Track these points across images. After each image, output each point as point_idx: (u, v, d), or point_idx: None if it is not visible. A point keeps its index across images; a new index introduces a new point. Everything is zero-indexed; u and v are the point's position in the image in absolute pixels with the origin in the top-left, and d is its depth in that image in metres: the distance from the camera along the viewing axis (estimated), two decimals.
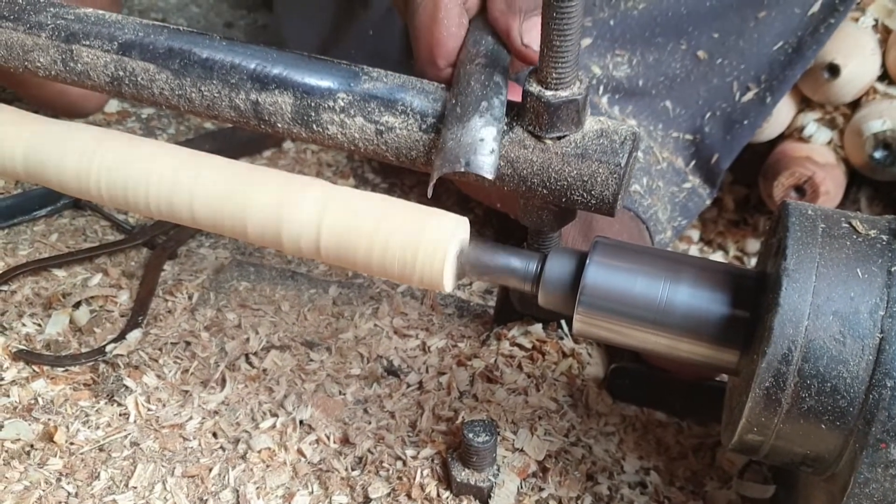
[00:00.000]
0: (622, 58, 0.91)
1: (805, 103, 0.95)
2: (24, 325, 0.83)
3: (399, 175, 1.12)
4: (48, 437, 0.72)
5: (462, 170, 0.57)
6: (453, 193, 1.09)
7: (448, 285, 0.60)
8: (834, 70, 0.88)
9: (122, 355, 0.80)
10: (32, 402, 0.76)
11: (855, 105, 0.93)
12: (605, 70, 0.90)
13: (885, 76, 0.91)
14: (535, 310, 0.77)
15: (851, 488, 0.49)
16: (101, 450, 0.72)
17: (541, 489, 0.69)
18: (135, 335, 0.82)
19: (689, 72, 0.90)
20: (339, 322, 0.84)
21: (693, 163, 0.93)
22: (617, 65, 0.91)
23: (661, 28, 0.90)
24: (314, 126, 0.64)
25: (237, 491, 0.69)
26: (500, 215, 1.02)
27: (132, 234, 0.96)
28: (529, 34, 0.64)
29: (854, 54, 0.88)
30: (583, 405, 0.76)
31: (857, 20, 0.91)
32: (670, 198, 0.92)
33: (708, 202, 0.95)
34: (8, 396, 0.76)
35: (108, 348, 0.80)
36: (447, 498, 0.68)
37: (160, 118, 1.19)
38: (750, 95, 0.89)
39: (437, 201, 1.08)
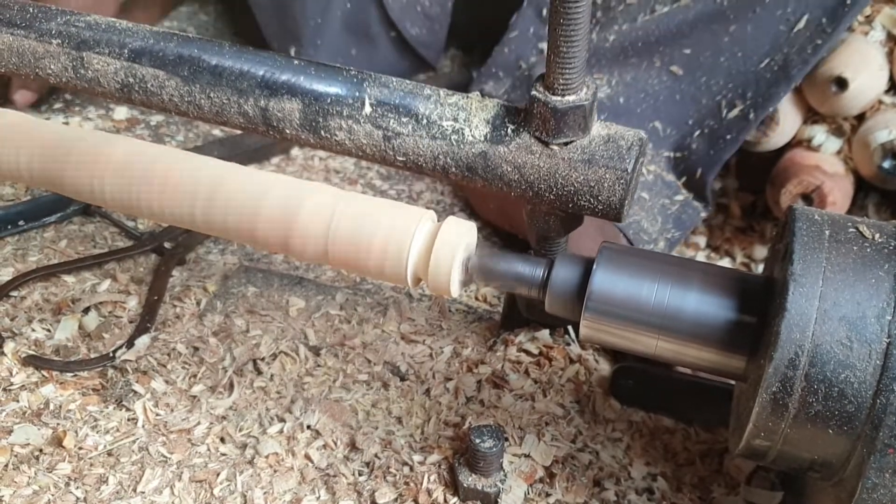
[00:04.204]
0: (601, 80, 0.94)
1: (811, 114, 0.95)
2: (33, 330, 0.84)
3: (407, 181, 1.13)
4: (57, 441, 0.72)
5: None
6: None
7: (455, 291, 0.61)
8: (842, 84, 0.88)
9: (130, 361, 0.80)
10: (42, 406, 0.76)
11: (861, 116, 0.92)
12: None
13: (892, 88, 0.91)
14: (542, 316, 0.77)
15: (859, 494, 0.49)
16: (109, 454, 0.72)
17: (548, 495, 0.69)
18: (143, 341, 0.82)
19: (671, 90, 0.91)
20: (346, 328, 0.85)
21: (684, 179, 0.94)
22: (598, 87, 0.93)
23: (633, 51, 0.93)
24: (322, 132, 0.64)
25: (245, 496, 0.69)
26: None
27: (141, 240, 0.96)
28: None
29: (862, 69, 0.88)
30: (590, 411, 0.76)
31: (866, 34, 0.90)
32: (661, 209, 0.92)
33: (703, 215, 0.95)
34: (17, 401, 0.76)
35: (116, 354, 0.80)
36: (454, 503, 0.68)
37: (169, 125, 1.20)
38: (736, 112, 0.90)
39: (445, 207, 1.08)
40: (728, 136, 0.91)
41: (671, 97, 0.91)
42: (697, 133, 0.92)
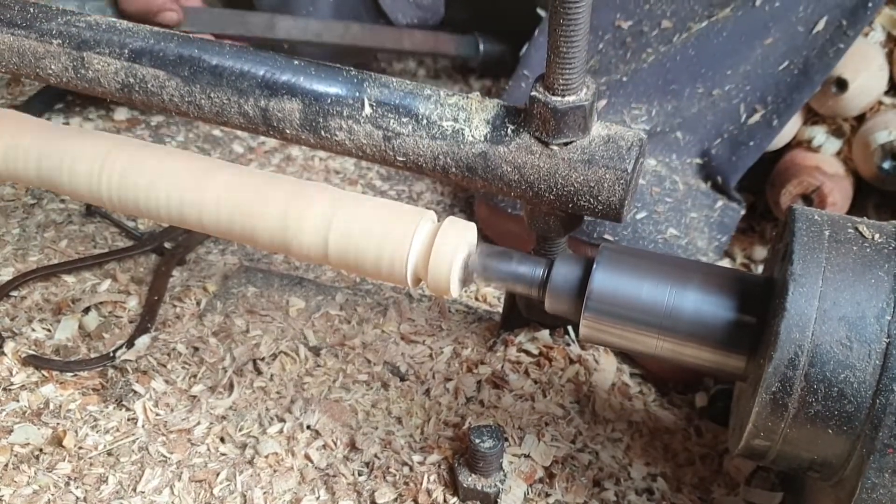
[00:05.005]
0: (640, 110, 0.91)
1: (811, 115, 0.95)
2: (33, 330, 0.84)
3: (407, 182, 1.13)
4: (57, 441, 0.72)
5: None
6: (461, 200, 1.09)
7: (455, 291, 0.61)
8: (842, 84, 0.88)
9: (130, 360, 0.80)
10: (42, 406, 0.76)
11: (861, 117, 0.92)
12: (622, 125, 0.89)
13: (892, 89, 0.91)
14: (542, 316, 0.77)
15: (859, 494, 0.49)
16: (109, 454, 0.72)
17: (548, 495, 0.69)
18: (143, 341, 0.82)
19: (701, 107, 0.90)
20: (346, 328, 0.85)
21: (709, 184, 0.93)
22: (635, 118, 0.90)
23: (673, 74, 0.90)
24: (322, 132, 0.65)
25: (245, 496, 0.69)
26: None
27: (141, 240, 0.96)
28: None
29: (862, 69, 0.88)
30: (590, 411, 0.76)
31: (866, 35, 0.90)
32: (705, 221, 0.91)
33: (742, 212, 0.94)
34: (17, 401, 0.76)
35: (116, 353, 0.80)
36: (454, 503, 0.68)
37: (169, 125, 1.20)
38: (756, 118, 0.89)
39: (445, 208, 1.08)
40: (751, 143, 0.89)
41: (698, 111, 0.90)
42: (718, 140, 0.91)
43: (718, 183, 0.92)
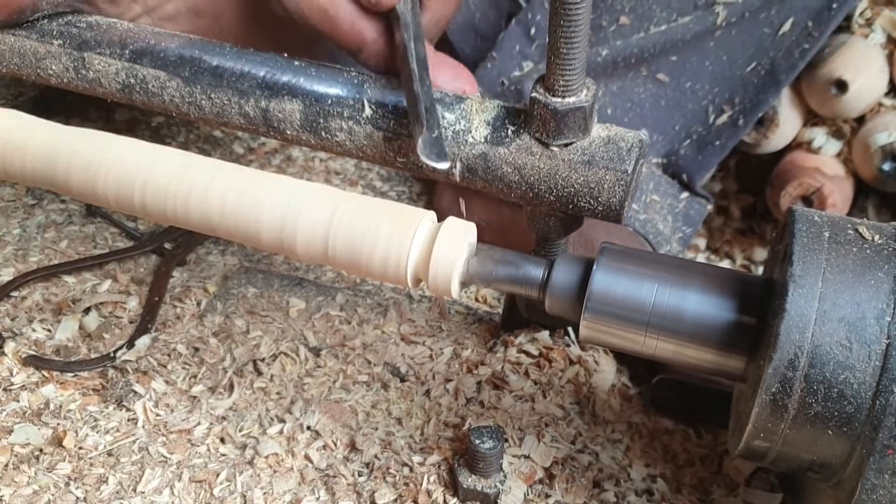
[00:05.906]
0: None
1: (812, 116, 0.95)
2: (34, 330, 0.84)
3: (407, 183, 1.13)
4: (57, 441, 0.72)
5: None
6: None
7: (455, 291, 0.61)
8: (842, 86, 0.88)
9: (130, 361, 0.80)
10: (42, 406, 0.76)
11: (861, 119, 0.93)
12: None
13: (892, 90, 0.91)
14: (542, 316, 0.77)
15: (858, 495, 0.49)
16: (109, 454, 0.72)
17: (547, 496, 0.69)
18: (144, 341, 0.82)
19: (656, 97, 0.91)
20: (346, 328, 0.85)
21: (675, 181, 0.94)
22: None
23: (623, 64, 0.92)
24: (323, 133, 0.65)
25: (244, 496, 0.69)
26: None
27: (141, 241, 0.96)
28: None
29: (862, 71, 0.88)
30: (589, 412, 0.76)
31: (866, 37, 0.91)
32: (669, 209, 0.92)
33: (709, 207, 0.95)
34: (18, 401, 0.76)
35: (117, 354, 0.80)
36: None
37: (170, 126, 1.20)
38: (724, 118, 0.90)
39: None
40: (717, 142, 0.91)
41: (656, 104, 0.92)
42: (687, 141, 0.92)
43: (684, 180, 0.94)
